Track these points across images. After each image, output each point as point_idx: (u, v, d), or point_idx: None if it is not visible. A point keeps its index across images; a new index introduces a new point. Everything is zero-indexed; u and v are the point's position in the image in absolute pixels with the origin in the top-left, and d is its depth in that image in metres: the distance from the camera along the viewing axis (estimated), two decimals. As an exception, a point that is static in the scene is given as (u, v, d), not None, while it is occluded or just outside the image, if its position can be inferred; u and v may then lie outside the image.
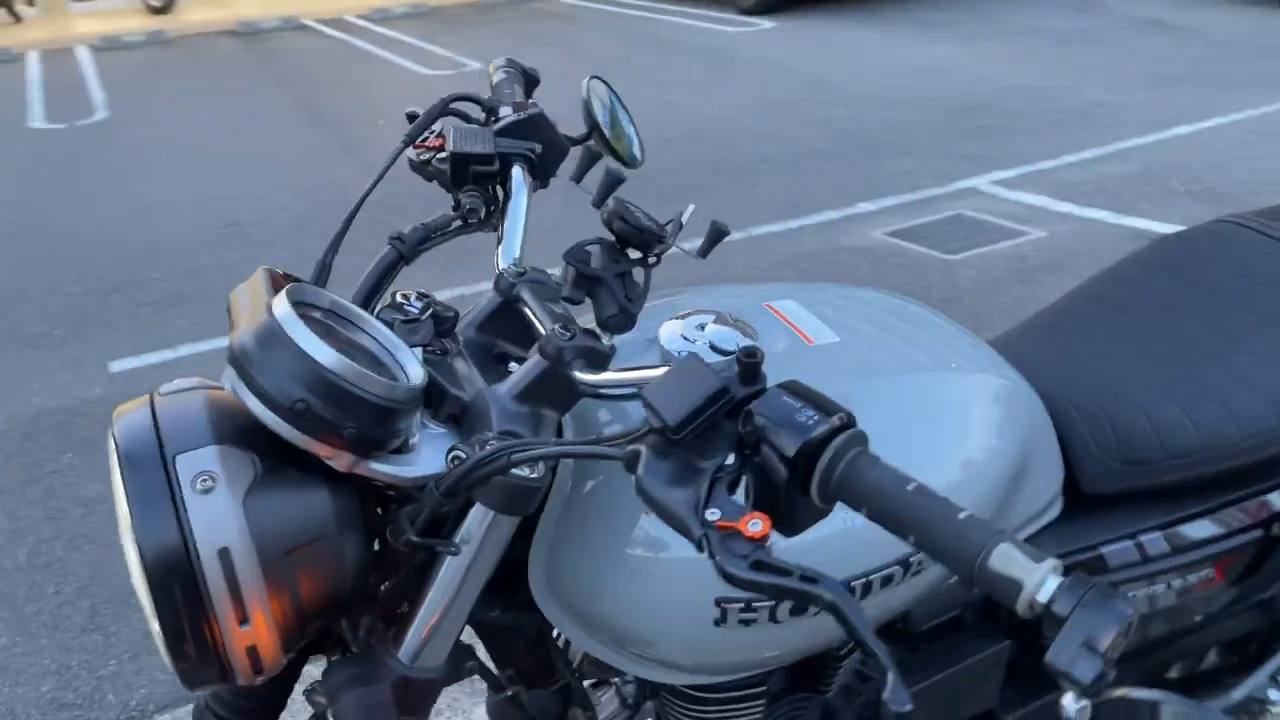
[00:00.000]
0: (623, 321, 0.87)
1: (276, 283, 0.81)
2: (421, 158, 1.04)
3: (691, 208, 0.98)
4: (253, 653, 0.76)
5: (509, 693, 1.03)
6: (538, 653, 1.04)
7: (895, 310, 1.17)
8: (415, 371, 0.82)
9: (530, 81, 1.24)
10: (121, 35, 10.15)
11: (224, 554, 0.73)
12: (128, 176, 5.89)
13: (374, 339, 0.84)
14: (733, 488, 0.69)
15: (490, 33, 9.66)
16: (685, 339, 0.97)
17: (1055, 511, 1.19)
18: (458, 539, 0.81)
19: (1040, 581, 0.59)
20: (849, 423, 0.69)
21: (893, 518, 0.65)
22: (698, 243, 1.00)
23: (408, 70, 8.22)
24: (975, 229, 4.59)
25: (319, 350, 0.73)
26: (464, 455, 0.77)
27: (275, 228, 4.94)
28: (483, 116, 1.09)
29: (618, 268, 0.88)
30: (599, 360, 0.84)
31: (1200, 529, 1.23)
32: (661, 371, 0.73)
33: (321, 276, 0.96)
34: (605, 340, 0.86)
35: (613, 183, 0.92)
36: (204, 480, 0.74)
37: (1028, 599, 0.59)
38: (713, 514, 0.66)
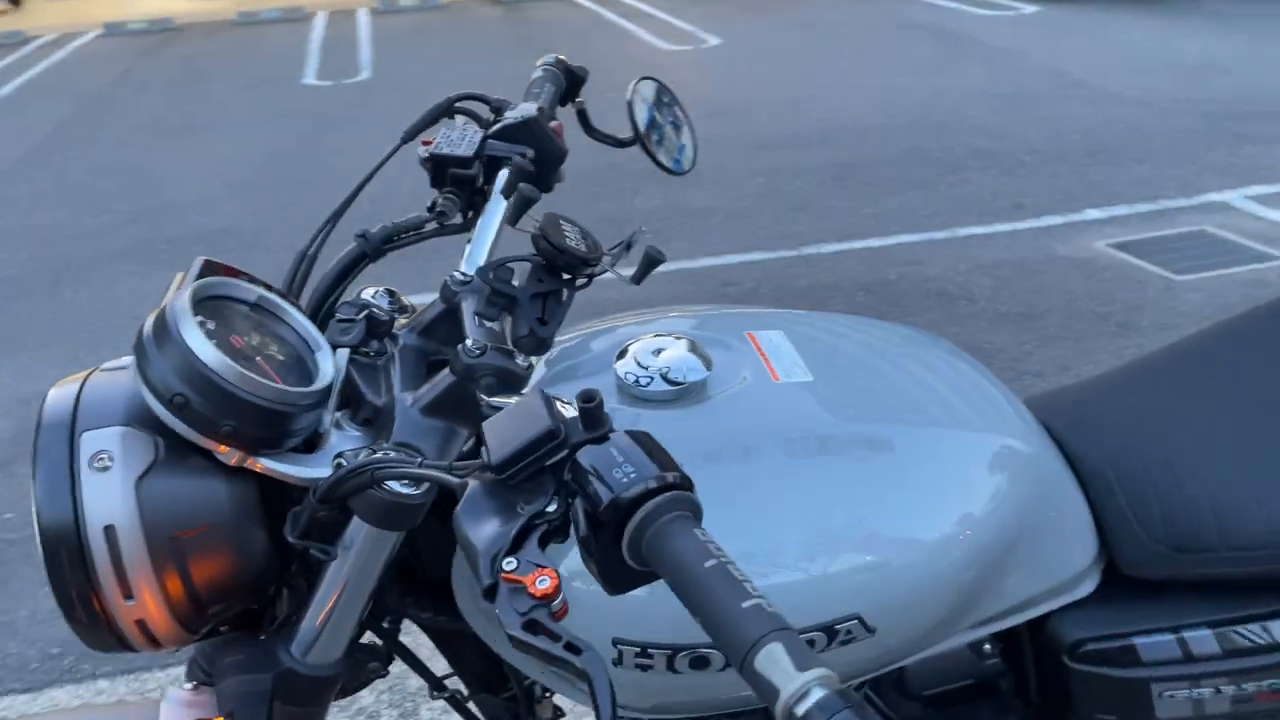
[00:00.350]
0: (533, 344, 0.85)
1: (215, 273, 0.84)
2: (426, 153, 1.04)
3: (641, 229, 0.94)
4: (142, 626, 0.80)
5: (447, 694, 1.04)
6: (491, 658, 1.04)
7: (916, 356, 1.08)
8: (326, 372, 0.83)
9: (575, 81, 1.22)
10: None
11: (109, 531, 0.77)
12: (375, 135, 6.30)
13: (298, 335, 0.86)
14: (552, 538, 0.66)
15: (734, 8, 9.61)
16: (639, 364, 0.94)
17: (1086, 589, 1.07)
18: (341, 545, 0.82)
19: (797, 692, 0.53)
20: (674, 485, 0.64)
21: (685, 593, 0.60)
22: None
23: (648, 44, 8.33)
24: (1215, 248, 4.15)
25: (201, 347, 0.75)
26: (345, 464, 0.78)
27: (491, 192, 5.14)
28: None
29: (539, 287, 0.85)
30: (512, 381, 0.82)
31: (1262, 633, 1.07)
32: (512, 403, 0.70)
33: (302, 269, 0.99)
34: (521, 361, 0.84)
35: (523, 202, 0.89)
36: (101, 459, 0.78)
37: (784, 708, 0.54)
38: (509, 564, 0.63)
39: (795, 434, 0.91)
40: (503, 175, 1.01)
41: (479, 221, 0.97)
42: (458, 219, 0.99)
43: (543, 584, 0.61)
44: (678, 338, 0.97)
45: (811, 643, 0.87)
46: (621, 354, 0.95)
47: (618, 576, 0.66)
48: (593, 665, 0.59)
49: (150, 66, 8.85)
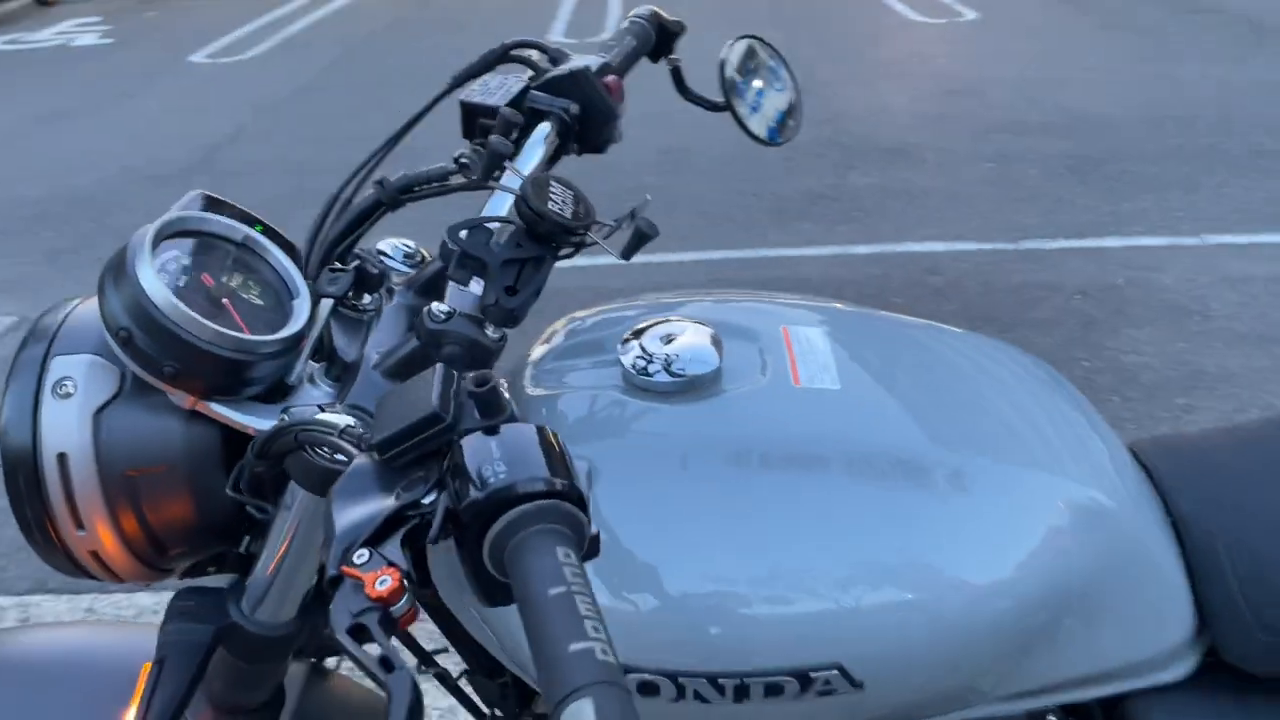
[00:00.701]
0: (500, 314, 0.77)
1: (209, 208, 0.82)
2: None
3: (647, 199, 0.84)
4: (96, 557, 0.80)
5: (434, 671, 0.99)
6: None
7: (998, 380, 0.92)
8: (296, 322, 0.79)
9: (668, 35, 1.12)
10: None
11: (62, 459, 0.76)
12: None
13: (283, 281, 0.82)
14: (422, 535, 0.59)
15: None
16: (644, 350, 0.84)
17: (1176, 674, 0.89)
18: (283, 503, 0.78)
19: None
20: (552, 494, 0.55)
21: (524, 619, 0.52)
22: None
23: (900, 15, 7.95)
24: None
25: (150, 283, 0.72)
26: (285, 420, 0.74)
27: (712, 158, 5.05)
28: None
29: (516, 253, 0.77)
30: (479, 353, 0.76)
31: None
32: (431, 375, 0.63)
33: (333, 213, 0.95)
34: (491, 332, 0.76)
35: (493, 156, 0.81)
36: (64, 385, 0.77)
37: None
38: (361, 556, 0.57)
39: (801, 445, 0.80)
40: (543, 128, 0.94)
41: (506, 176, 0.90)
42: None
43: (383, 584, 0.55)
44: (699, 324, 0.87)
45: (780, 689, 0.76)
46: (633, 336, 0.86)
47: (489, 586, 0.58)
48: (396, 688, 0.51)
49: (420, 15, 9.29)
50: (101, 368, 0.78)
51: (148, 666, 0.83)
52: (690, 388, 0.83)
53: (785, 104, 1.15)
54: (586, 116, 0.96)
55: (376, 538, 0.58)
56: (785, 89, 1.15)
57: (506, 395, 0.60)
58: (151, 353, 0.73)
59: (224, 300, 0.78)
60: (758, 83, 1.12)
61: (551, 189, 0.78)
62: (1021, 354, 0.97)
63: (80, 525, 0.78)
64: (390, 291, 0.87)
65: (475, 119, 0.92)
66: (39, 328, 0.81)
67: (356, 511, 0.59)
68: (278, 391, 0.80)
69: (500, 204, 0.89)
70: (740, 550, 0.78)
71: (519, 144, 0.93)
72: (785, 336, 0.88)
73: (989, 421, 0.86)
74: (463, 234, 0.76)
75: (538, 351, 0.93)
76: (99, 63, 8.21)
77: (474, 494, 0.55)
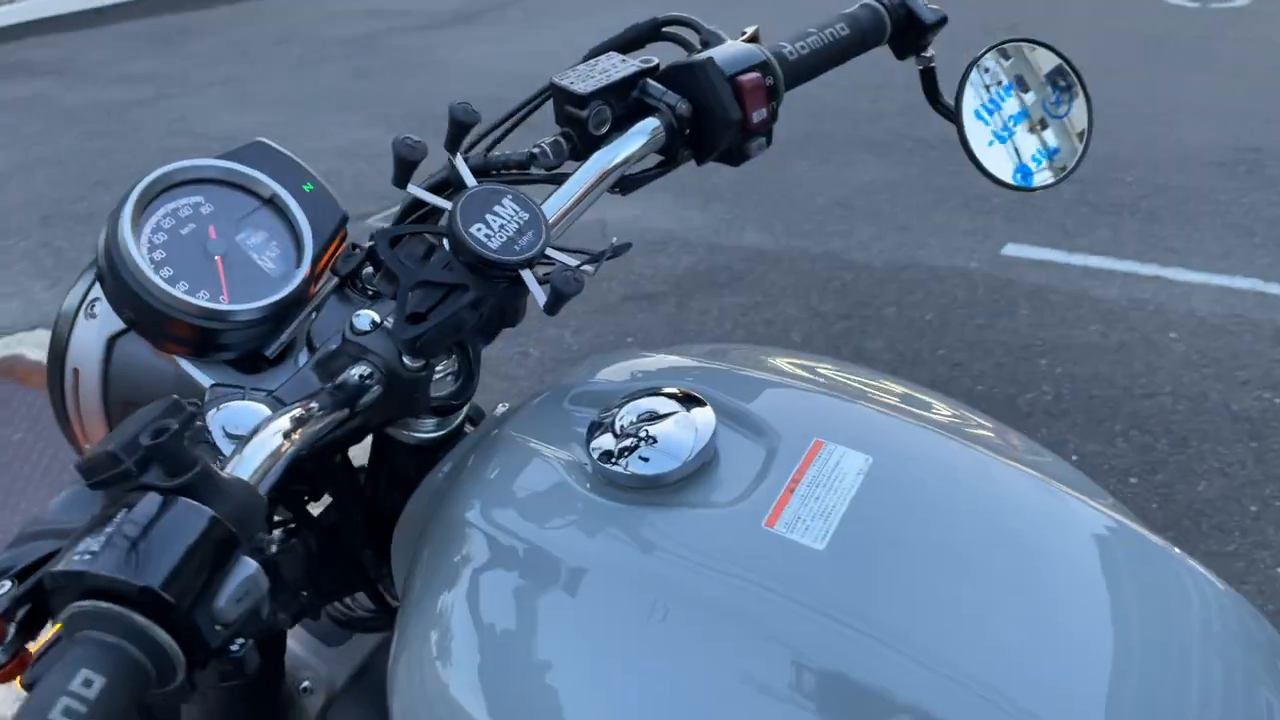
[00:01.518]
0: (400, 343, 0.63)
1: (260, 157, 0.79)
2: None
3: (614, 242, 0.63)
4: None
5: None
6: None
7: (1112, 602, 0.60)
8: (276, 294, 0.73)
9: (918, 27, 0.85)
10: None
11: (76, 374, 0.80)
12: (1228, 64, 5.42)
13: (295, 246, 0.77)
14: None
15: None
16: (617, 429, 0.66)
17: None
18: None
19: None
20: (126, 598, 0.45)
21: None
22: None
23: None
24: None
25: (123, 227, 0.71)
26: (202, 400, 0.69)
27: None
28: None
29: (443, 276, 0.62)
30: (396, 383, 0.65)
31: None
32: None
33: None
34: (409, 361, 0.64)
35: (400, 164, 0.64)
36: (94, 307, 0.80)
37: None
38: (2, 586, 0.50)
39: (732, 607, 0.57)
40: (646, 124, 0.77)
41: (579, 169, 0.76)
42: (566, 165, 0.78)
43: None
44: (710, 407, 0.66)
45: None
46: (620, 404, 0.68)
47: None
48: None
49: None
50: None
51: None
52: (641, 486, 0.64)
53: (1063, 136, 0.84)
54: (698, 119, 0.77)
55: (28, 573, 0.51)
56: (1067, 115, 0.84)
57: (194, 455, 0.49)
58: (114, 295, 0.73)
59: (216, 258, 0.74)
60: (1019, 102, 0.83)
61: (497, 208, 0.63)
62: (1211, 581, 0.62)
63: (86, 440, 0.81)
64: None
65: (563, 104, 0.78)
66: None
67: (67, 524, 0.53)
68: (260, 361, 0.76)
69: (565, 196, 0.77)
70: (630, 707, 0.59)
71: (607, 137, 0.77)
72: (811, 452, 0.64)
73: (1050, 666, 0.56)
74: (389, 240, 0.65)
75: (554, 387, 0.78)
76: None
77: (55, 567, 0.46)
